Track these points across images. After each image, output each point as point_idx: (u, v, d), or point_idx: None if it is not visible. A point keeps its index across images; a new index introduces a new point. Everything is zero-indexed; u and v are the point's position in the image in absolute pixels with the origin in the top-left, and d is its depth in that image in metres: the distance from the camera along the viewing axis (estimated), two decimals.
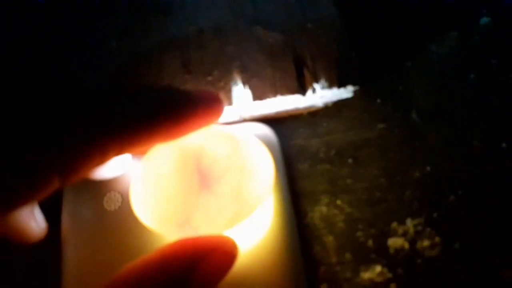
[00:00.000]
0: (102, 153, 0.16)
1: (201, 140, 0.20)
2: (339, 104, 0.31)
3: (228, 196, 0.19)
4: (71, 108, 0.16)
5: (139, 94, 0.18)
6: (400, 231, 0.27)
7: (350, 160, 0.29)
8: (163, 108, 0.18)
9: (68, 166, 0.15)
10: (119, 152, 0.17)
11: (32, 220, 0.23)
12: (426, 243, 0.27)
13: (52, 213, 0.25)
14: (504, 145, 0.29)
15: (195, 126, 0.20)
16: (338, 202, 0.28)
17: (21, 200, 0.15)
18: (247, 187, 0.19)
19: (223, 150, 0.20)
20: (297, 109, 0.30)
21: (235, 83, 0.28)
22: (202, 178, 0.20)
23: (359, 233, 0.27)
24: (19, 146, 0.14)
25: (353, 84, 0.28)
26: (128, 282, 0.15)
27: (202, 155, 0.20)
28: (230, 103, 0.28)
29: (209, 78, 0.28)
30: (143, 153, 0.21)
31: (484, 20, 0.34)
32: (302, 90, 0.28)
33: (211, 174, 0.20)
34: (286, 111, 0.30)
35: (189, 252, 0.17)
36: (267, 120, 0.30)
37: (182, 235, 0.18)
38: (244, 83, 0.28)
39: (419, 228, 0.27)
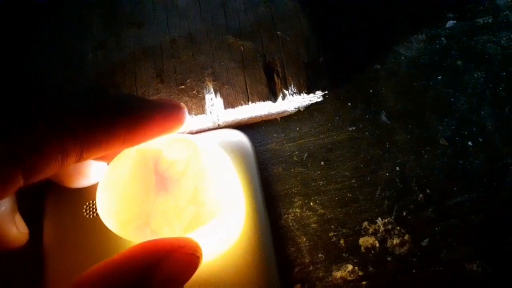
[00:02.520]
0: (62, 151, 0.17)
1: (159, 145, 0.21)
2: (311, 108, 0.32)
3: (186, 198, 0.20)
4: (31, 107, 0.17)
5: (99, 97, 0.19)
6: (371, 230, 0.28)
7: (322, 163, 0.30)
8: (121, 110, 0.19)
9: (30, 162, 0.16)
10: (80, 153, 0.18)
11: (13, 226, 0.24)
12: (396, 241, 0.27)
13: (33, 220, 0.26)
14: (470, 143, 0.30)
15: (155, 132, 0.21)
16: (311, 203, 0.29)
17: None
18: (204, 190, 0.20)
19: (180, 155, 0.21)
20: (270, 114, 0.31)
21: (208, 91, 0.29)
22: (159, 180, 0.20)
23: (331, 233, 0.28)
24: None
25: (323, 88, 0.29)
26: (92, 282, 0.16)
27: (159, 158, 0.21)
28: (203, 111, 0.29)
29: (182, 87, 0.29)
30: (109, 160, 0.22)
31: (450, 23, 0.35)
32: (273, 97, 0.29)
33: (169, 176, 0.21)
34: (260, 117, 0.31)
35: (150, 253, 0.18)
36: (241, 126, 0.31)
37: (143, 239, 0.19)
38: (216, 90, 0.29)
39: (389, 226, 0.28)
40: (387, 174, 0.30)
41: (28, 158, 0.16)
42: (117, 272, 0.17)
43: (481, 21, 0.35)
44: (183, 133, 0.23)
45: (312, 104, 0.31)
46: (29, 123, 0.16)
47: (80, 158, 0.18)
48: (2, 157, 0.16)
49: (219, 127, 0.31)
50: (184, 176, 0.21)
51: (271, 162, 0.30)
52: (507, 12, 0.35)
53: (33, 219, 0.26)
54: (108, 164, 0.27)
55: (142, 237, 0.20)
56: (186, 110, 0.21)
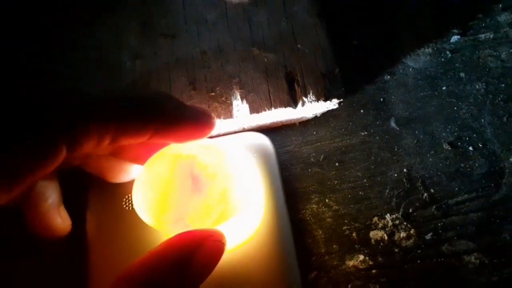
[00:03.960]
0: (99, 133, 0.20)
1: (193, 151, 0.25)
2: (326, 114, 0.35)
3: (215, 198, 0.23)
4: (79, 94, 0.20)
5: (139, 97, 0.22)
6: (380, 224, 0.31)
7: (336, 164, 0.34)
8: (155, 109, 0.22)
9: (73, 136, 0.19)
10: (113, 137, 0.20)
11: (58, 217, 0.27)
12: (402, 234, 0.31)
13: (76, 212, 0.29)
14: (470, 148, 0.33)
15: (183, 135, 0.23)
16: (327, 200, 0.32)
17: (36, 164, 0.18)
18: (231, 191, 0.24)
19: (211, 160, 0.25)
20: (289, 120, 0.34)
21: (235, 98, 0.32)
22: (194, 182, 0.24)
23: (344, 227, 0.31)
24: (35, 115, 0.18)
25: (338, 97, 0.32)
26: (139, 273, 0.19)
27: (194, 163, 0.25)
28: (231, 116, 0.32)
29: (212, 94, 0.32)
30: (144, 160, 0.25)
31: (454, 38, 0.38)
32: (294, 103, 0.32)
33: (202, 179, 0.24)
34: (280, 121, 0.34)
35: (187, 242, 0.21)
36: (264, 129, 0.35)
37: (177, 231, 0.22)
38: (242, 97, 0.32)
39: (397, 222, 0.31)
40: (395, 175, 0.33)
41: (72, 132, 0.19)
42: (160, 262, 0.20)
43: (483, 37, 0.38)
44: (211, 137, 0.26)
45: (328, 110, 0.34)
46: (75, 105, 0.19)
47: (112, 142, 0.21)
48: (52, 129, 0.18)
49: (244, 130, 0.34)
50: (214, 179, 0.24)
51: (290, 163, 0.34)
52: (507, 28, 0.38)
53: (75, 212, 0.28)
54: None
55: (176, 230, 0.23)
56: (215, 119, 0.24)
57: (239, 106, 0.32)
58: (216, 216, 0.24)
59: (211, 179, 0.24)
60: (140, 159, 0.27)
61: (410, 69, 0.37)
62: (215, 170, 0.25)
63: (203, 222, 0.23)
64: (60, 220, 0.26)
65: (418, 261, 0.30)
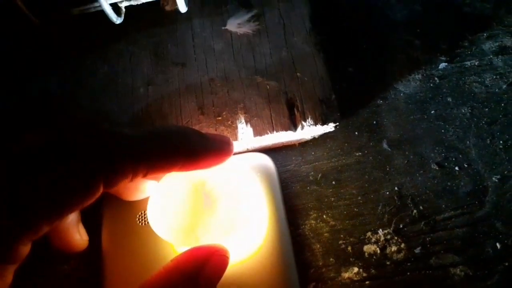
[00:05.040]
0: (134, 171, 0.22)
1: (205, 170, 0.27)
2: (324, 136, 0.38)
3: (224, 214, 0.26)
4: (119, 136, 0.22)
5: (167, 135, 0.25)
6: (373, 239, 0.34)
7: (333, 182, 0.36)
8: (182, 145, 0.24)
9: (110, 177, 0.21)
10: (145, 174, 0.23)
11: (77, 233, 0.29)
12: (394, 248, 0.33)
13: (92, 228, 0.31)
14: (457, 168, 0.36)
15: (208, 164, 0.26)
16: (324, 216, 0.35)
17: (83, 198, 0.20)
18: (238, 209, 0.27)
19: (220, 179, 0.27)
20: (290, 141, 0.37)
21: (240, 122, 0.35)
22: (206, 199, 0.27)
23: (340, 241, 0.34)
24: (83, 157, 0.20)
25: (334, 121, 0.35)
26: (155, 286, 0.22)
27: (206, 182, 0.27)
28: (236, 138, 0.35)
29: (219, 118, 0.35)
30: (159, 178, 0.28)
31: (442, 65, 0.41)
32: (294, 127, 0.35)
33: (212, 196, 0.27)
34: (281, 143, 0.37)
35: (196, 258, 0.24)
36: (266, 150, 0.38)
37: (188, 243, 0.25)
38: (247, 121, 0.35)
39: (388, 236, 0.34)
40: (387, 193, 0.36)
41: (110, 174, 0.21)
42: (173, 276, 0.22)
43: (469, 64, 0.41)
44: None
45: (325, 133, 0.37)
46: (113, 146, 0.22)
47: (144, 177, 0.23)
48: (95, 173, 0.21)
49: (248, 150, 0.37)
50: (224, 196, 0.27)
51: (290, 181, 0.37)
52: (491, 56, 0.41)
53: (91, 228, 0.31)
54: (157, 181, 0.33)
55: (188, 242, 0.26)
56: (233, 146, 0.27)
57: (244, 129, 0.35)
58: (223, 231, 0.27)
59: (220, 196, 0.27)
60: (155, 177, 0.29)
61: (401, 94, 0.40)
62: (224, 188, 0.27)
63: (212, 235, 0.26)
64: (79, 236, 0.29)
65: (408, 273, 0.32)
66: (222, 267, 0.25)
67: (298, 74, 0.37)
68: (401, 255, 0.33)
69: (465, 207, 0.35)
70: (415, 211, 0.35)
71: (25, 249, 0.20)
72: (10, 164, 0.20)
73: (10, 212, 0.19)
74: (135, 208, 0.33)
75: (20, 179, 0.19)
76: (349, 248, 0.34)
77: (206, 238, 0.26)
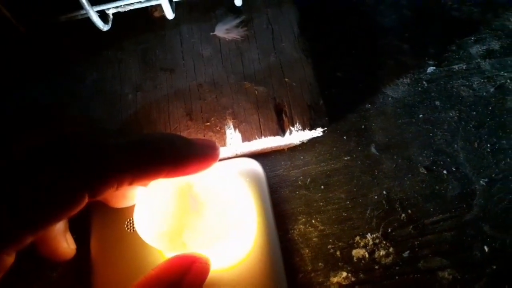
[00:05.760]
0: (119, 181, 0.22)
1: (192, 176, 0.27)
2: (313, 141, 0.38)
3: (212, 220, 0.26)
4: (103, 148, 0.22)
5: (150, 140, 0.25)
6: (362, 243, 0.34)
7: (322, 187, 0.36)
8: (167, 152, 0.24)
9: (95, 188, 0.21)
10: (131, 183, 0.23)
11: (64, 242, 0.29)
12: (382, 252, 0.33)
13: (80, 236, 0.31)
14: (445, 172, 0.36)
15: (194, 169, 0.26)
16: (313, 221, 0.35)
17: (67, 209, 0.21)
18: (225, 213, 0.27)
19: (208, 184, 0.27)
20: (278, 146, 0.37)
21: (228, 127, 0.35)
22: (192, 203, 0.27)
23: (329, 246, 0.34)
24: (64, 171, 0.20)
25: (322, 126, 0.35)
26: None
27: (192, 187, 0.27)
28: (225, 144, 0.35)
29: (208, 124, 0.36)
30: (146, 184, 0.28)
31: (430, 69, 0.41)
32: (282, 132, 0.35)
33: (199, 201, 0.27)
34: (270, 148, 0.37)
35: (178, 266, 0.24)
36: (255, 155, 0.38)
37: (174, 249, 0.25)
38: (235, 127, 0.35)
39: (377, 241, 0.34)
40: (376, 197, 0.36)
41: (95, 185, 0.21)
42: (155, 283, 0.23)
43: (457, 68, 0.42)
44: None
45: (314, 137, 0.38)
46: (98, 157, 0.22)
47: (130, 185, 0.23)
48: (78, 184, 0.21)
49: (237, 156, 0.37)
50: (211, 202, 0.27)
51: (279, 186, 0.37)
52: (479, 60, 0.42)
53: (79, 236, 0.31)
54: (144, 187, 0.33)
55: (175, 248, 0.26)
56: (219, 150, 0.27)
57: (232, 135, 0.35)
58: (210, 235, 0.27)
59: (208, 200, 0.27)
60: (142, 183, 0.29)
61: (389, 98, 0.40)
62: (211, 194, 0.27)
63: (198, 241, 0.26)
64: (66, 245, 0.29)
65: (397, 277, 0.32)
66: (203, 274, 0.25)
67: (286, 79, 0.37)
68: (389, 259, 0.33)
69: (453, 210, 0.35)
70: (403, 215, 0.35)
71: (9, 259, 0.20)
72: None
73: None
74: (123, 215, 0.34)
75: (1, 191, 0.19)
76: (338, 252, 0.34)
77: (193, 244, 0.26)
